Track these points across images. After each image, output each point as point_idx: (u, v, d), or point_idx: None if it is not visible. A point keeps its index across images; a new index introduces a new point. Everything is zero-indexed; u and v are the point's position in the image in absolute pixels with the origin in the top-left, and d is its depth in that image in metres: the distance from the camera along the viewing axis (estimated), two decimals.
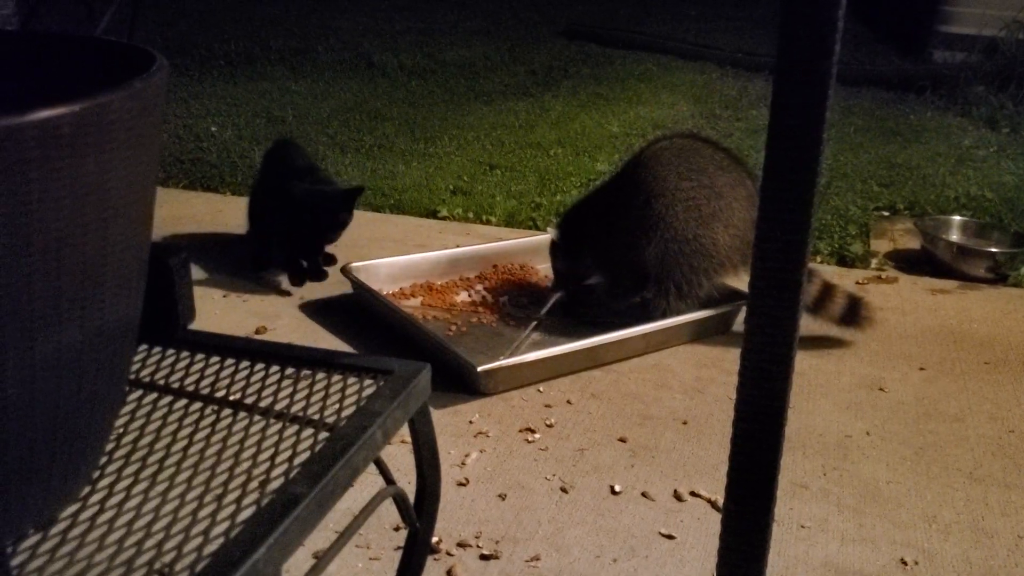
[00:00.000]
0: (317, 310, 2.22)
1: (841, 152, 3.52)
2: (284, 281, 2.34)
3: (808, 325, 2.08)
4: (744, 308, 1.13)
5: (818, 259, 2.58)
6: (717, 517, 0.90)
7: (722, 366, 2.01)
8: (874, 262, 2.60)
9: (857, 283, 2.46)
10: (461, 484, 1.57)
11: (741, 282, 2.13)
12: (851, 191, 3.12)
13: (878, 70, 4.73)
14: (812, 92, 0.98)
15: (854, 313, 2.09)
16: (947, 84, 4.42)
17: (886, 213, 3.00)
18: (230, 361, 1.11)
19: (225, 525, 0.81)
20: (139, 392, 1.04)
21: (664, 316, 2.06)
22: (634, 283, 2.19)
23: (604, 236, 2.16)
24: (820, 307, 2.08)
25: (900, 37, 5.33)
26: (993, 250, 2.58)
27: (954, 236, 2.70)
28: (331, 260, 2.45)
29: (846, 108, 4.13)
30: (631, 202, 2.09)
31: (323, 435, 0.96)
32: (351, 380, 1.07)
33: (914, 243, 2.72)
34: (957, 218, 2.79)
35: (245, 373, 1.09)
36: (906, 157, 3.51)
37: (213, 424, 0.99)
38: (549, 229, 2.29)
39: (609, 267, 2.22)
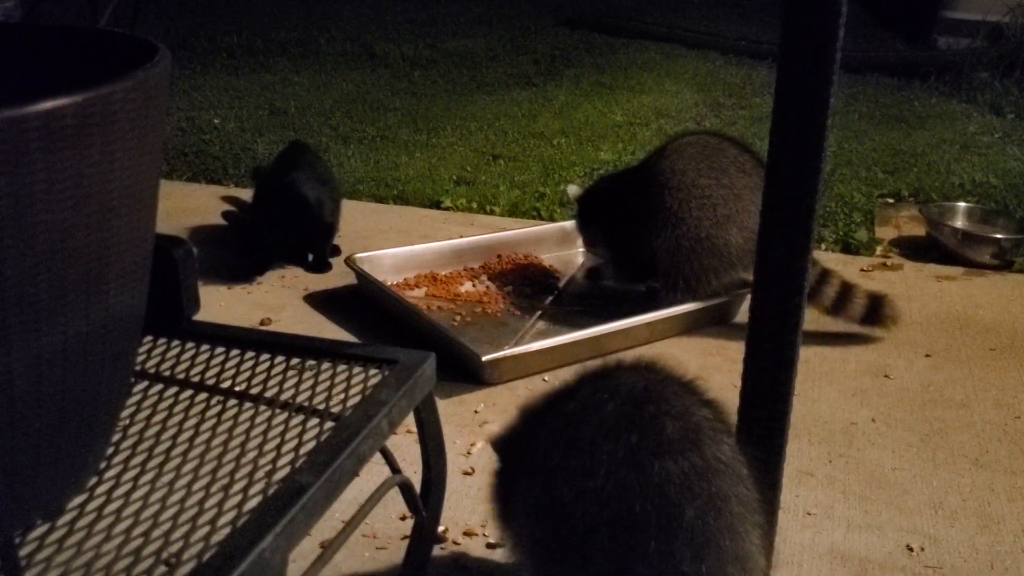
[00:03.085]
0: (321, 301, 2.22)
1: (845, 139, 3.51)
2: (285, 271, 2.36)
3: (823, 321, 2.07)
4: (749, 296, 1.13)
5: (822, 247, 2.58)
6: None
7: (726, 354, 2.01)
8: (879, 249, 2.60)
9: (862, 270, 2.46)
10: (467, 473, 1.57)
11: (750, 274, 2.14)
12: (855, 178, 3.11)
13: (882, 56, 4.70)
14: (816, 79, 0.98)
15: (877, 312, 2.06)
16: (951, 70, 4.39)
17: (891, 200, 2.99)
18: (235, 352, 1.12)
19: (232, 515, 0.81)
20: (145, 383, 1.04)
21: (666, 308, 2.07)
22: (634, 271, 2.22)
23: (616, 218, 2.19)
24: (840, 308, 2.06)
25: (904, 23, 5.30)
26: (998, 236, 2.57)
27: (959, 222, 2.69)
28: (335, 251, 2.45)
29: (850, 95, 4.12)
30: (648, 191, 2.10)
31: (329, 425, 0.96)
32: (356, 370, 1.08)
33: (919, 230, 2.71)
34: (962, 204, 2.78)
35: (250, 364, 1.09)
36: (910, 144, 3.50)
37: (219, 414, 0.99)
38: (571, 187, 2.33)
39: (614, 249, 2.25)
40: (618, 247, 2.23)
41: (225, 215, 2.70)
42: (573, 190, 2.32)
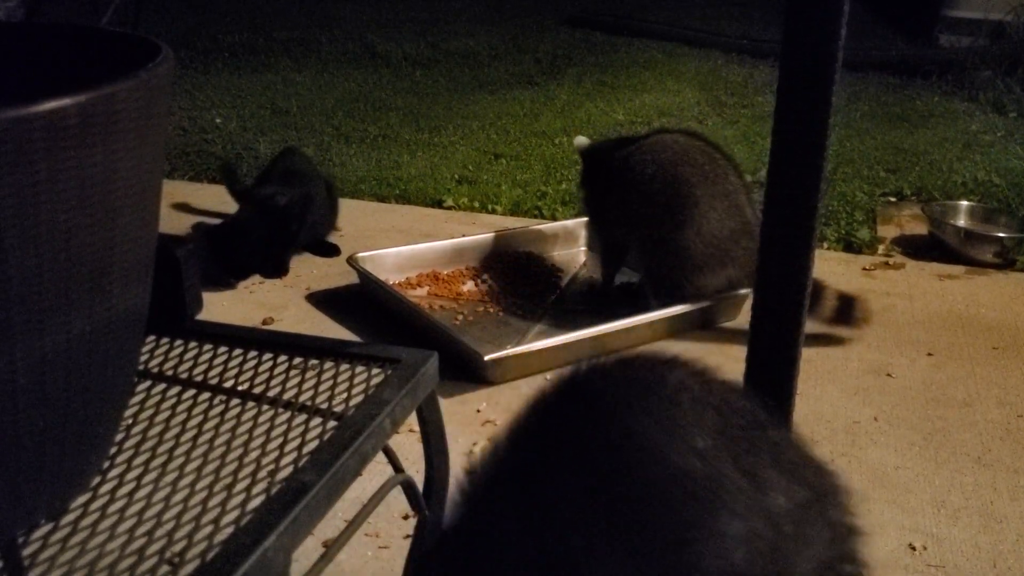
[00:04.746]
0: (324, 300, 2.22)
1: (847, 138, 3.51)
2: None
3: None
4: (751, 296, 1.13)
5: (825, 246, 2.58)
6: None
7: (729, 353, 2.00)
8: (881, 248, 2.60)
9: (864, 269, 2.46)
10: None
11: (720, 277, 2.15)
12: (857, 177, 3.11)
13: (884, 55, 4.70)
14: (818, 78, 0.98)
15: (847, 313, 2.07)
16: (954, 69, 4.39)
17: (893, 199, 2.99)
18: (238, 351, 1.11)
19: (235, 514, 0.81)
20: (148, 383, 1.04)
21: (657, 309, 2.07)
22: (609, 253, 2.30)
23: (596, 198, 2.29)
24: (809, 308, 2.06)
25: (906, 21, 5.29)
26: (1001, 235, 2.57)
27: (961, 221, 2.69)
28: (335, 251, 2.45)
29: (852, 94, 4.12)
30: (621, 187, 2.17)
31: (332, 424, 0.96)
32: (359, 369, 1.07)
33: (921, 229, 2.71)
34: (964, 203, 2.78)
35: (253, 363, 1.09)
36: (913, 142, 3.50)
37: (222, 414, 0.99)
38: (580, 139, 2.37)
39: (591, 218, 2.37)
40: (594, 219, 2.35)
41: (196, 228, 2.63)
42: (581, 141, 2.36)
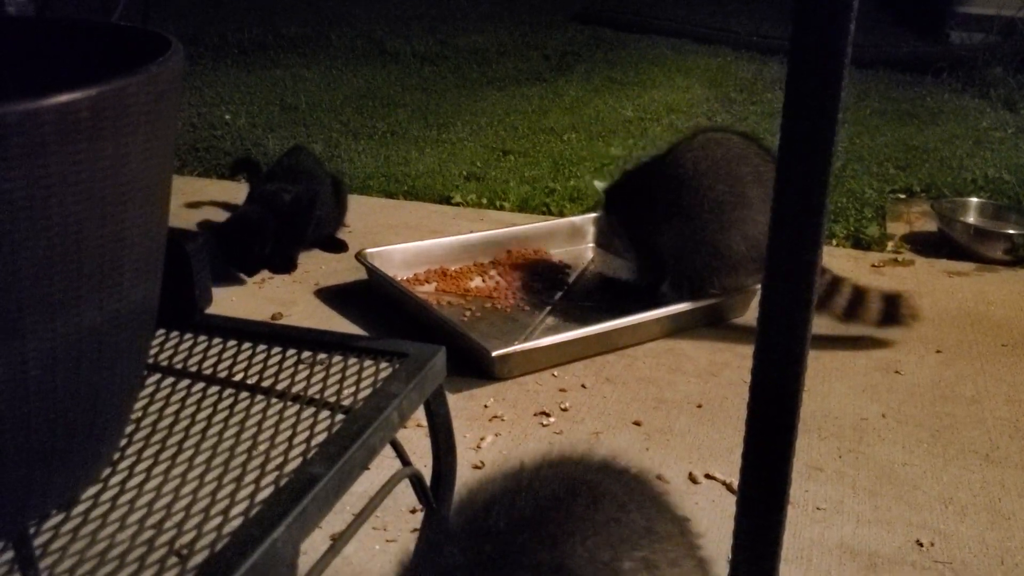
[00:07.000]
0: (332, 296, 2.23)
1: (857, 134, 3.50)
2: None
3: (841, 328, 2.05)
4: (759, 292, 1.13)
5: (834, 242, 2.57)
6: (732, 499, 0.91)
7: (736, 350, 2.01)
8: (890, 245, 2.59)
9: (873, 266, 2.45)
10: (477, 467, 1.58)
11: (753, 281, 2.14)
12: (867, 174, 3.10)
13: (894, 51, 4.69)
14: (827, 74, 0.97)
15: (893, 312, 2.04)
16: (964, 65, 4.37)
17: (902, 195, 2.98)
18: (247, 345, 1.12)
19: (244, 505, 0.82)
20: (158, 376, 1.05)
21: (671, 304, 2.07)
22: (650, 265, 2.23)
23: (638, 211, 2.21)
24: (853, 313, 2.04)
25: (917, 18, 5.28)
26: (1011, 232, 2.55)
27: (971, 218, 2.68)
28: (343, 247, 2.46)
29: (862, 90, 4.10)
30: (668, 183, 2.12)
31: (340, 417, 0.96)
32: (367, 363, 1.08)
33: (931, 225, 2.70)
34: (974, 200, 2.77)
35: (262, 357, 1.10)
36: (923, 139, 3.48)
37: (231, 407, 1.00)
38: (597, 183, 2.37)
39: (636, 243, 2.27)
40: (639, 240, 2.25)
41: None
42: (599, 185, 2.35)
